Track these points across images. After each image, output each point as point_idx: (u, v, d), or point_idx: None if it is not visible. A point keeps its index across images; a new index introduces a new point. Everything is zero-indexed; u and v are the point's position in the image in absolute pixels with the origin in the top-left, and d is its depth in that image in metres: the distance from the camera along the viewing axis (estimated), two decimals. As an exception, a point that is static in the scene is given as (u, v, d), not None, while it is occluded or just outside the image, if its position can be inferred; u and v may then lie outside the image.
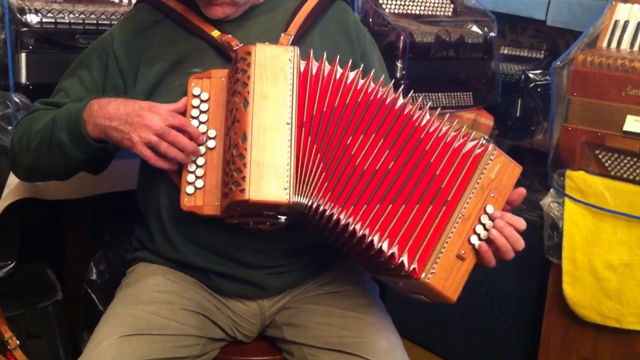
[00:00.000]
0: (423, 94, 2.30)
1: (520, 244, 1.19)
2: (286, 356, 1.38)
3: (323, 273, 1.42)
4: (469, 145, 1.21)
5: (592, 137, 1.67)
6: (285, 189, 1.15)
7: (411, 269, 1.13)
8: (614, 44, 1.76)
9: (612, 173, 1.68)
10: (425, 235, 1.15)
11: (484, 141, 1.22)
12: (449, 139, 1.21)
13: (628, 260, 1.68)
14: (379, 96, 1.24)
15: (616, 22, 1.78)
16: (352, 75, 1.24)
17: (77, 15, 1.69)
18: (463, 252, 1.15)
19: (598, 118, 1.66)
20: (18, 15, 1.62)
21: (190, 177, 1.22)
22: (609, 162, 1.67)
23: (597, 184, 1.69)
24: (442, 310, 2.20)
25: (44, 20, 1.64)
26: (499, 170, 1.20)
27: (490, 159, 1.20)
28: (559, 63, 1.76)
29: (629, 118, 1.61)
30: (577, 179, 1.71)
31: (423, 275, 1.13)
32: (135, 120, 1.18)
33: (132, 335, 1.22)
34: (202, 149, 1.23)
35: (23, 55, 1.64)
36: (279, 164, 1.15)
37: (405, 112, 1.23)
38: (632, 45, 1.74)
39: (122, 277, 1.44)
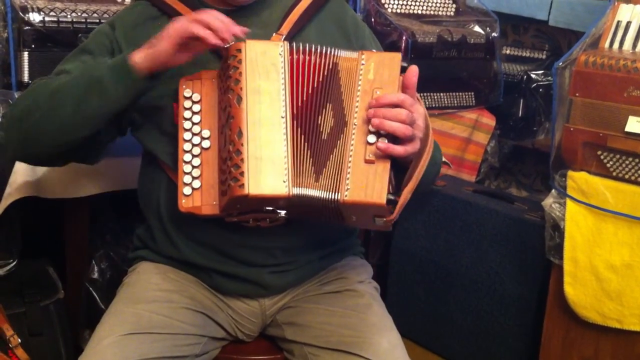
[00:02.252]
0: (425, 93, 2.30)
1: (400, 115, 1.16)
2: (287, 355, 1.38)
3: (324, 272, 1.43)
4: (352, 65, 1.23)
5: (594, 138, 1.67)
6: (284, 182, 1.15)
7: (333, 198, 1.16)
8: (616, 45, 1.76)
9: (614, 174, 1.68)
10: (338, 163, 1.18)
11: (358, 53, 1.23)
12: (347, 70, 1.23)
13: (629, 261, 1.68)
14: (328, 66, 1.24)
15: (618, 22, 1.78)
16: (313, 59, 1.24)
17: (79, 14, 1.69)
18: (369, 155, 1.17)
19: (600, 119, 1.65)
20: (20, 13, 1.62)
21: (187, 178, 1.22)
22: (611, 163, 1.67)
23: (598, 185, 1.69)
24: (443, 310, 2.20)
25: (47, 19, 1.65)
26: (375, 67, 1.21)
27: (362, 63, 1.22)
28: (561, 63, 1.75)
29: (631, 119, 1.61)
30: (578, 180, 1.71)
31: (339, 196, 1.16)
32: (164, 32, 1.20)
33: (133, 334, 1.22)
34: (197, 150, 1.23)
35: (25, 53, 1.64)
36: (277, 157, 1.16)
37: (337, 69, 1.24)
38: (634, 45, 1.74)
39: (123, 276, 1.44)
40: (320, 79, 1.24)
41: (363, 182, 1.16)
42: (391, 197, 1.15)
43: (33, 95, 1.26)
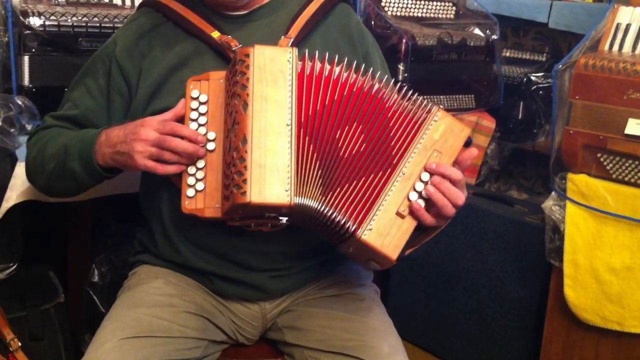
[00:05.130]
0: (425, 96, 2.31)
1: (459, 198, 1.19)
2: (287, 359, 1.38)
3: (324, 276, 1.43)
4: (418, 111, 1.24)
5: (594, 140, 1.67)
6: (287, 191, 1.15)
7: (349, 227, 1.17)
8: (615, 47, 1.76)
9: (614, 176, 1.68)
10: (368, 198, 1.19)
11: (431, 105, 1.25)
12: (407, 111, 1.24)
13: (630, 264, 1.68)
14: (362, 86, 1.25)
15: (618, 25, 1.78)
16: (337, 70, 1.24)
17: (80, 18, 1.69)
18: (402, 209, 1.17)
19: (600, 121, 1.66)
20: (21, 17, 1.62)
21: (191, 180, 1.22)
22: (611, 165, 1.67)
23: (598, 187, 1.69)
24: (444, 313, 2.20)
25: (47, 23, 1.65)
26: (444, 130, 1.22)
27: (434, 120, 1.23)
28: (560, 66, 1.76)
29: (631, 121, 1.61)
30: (578, 182, 1.71)
31: (359, 231, 1.16)
32: (130, 138, 1.21)
33: (134, 338, 1.22)
34: (202, 151, 1.23)
35: (26, 58, 1.64)
36: (281, 165, 1.16)
37: (379, 96, 1.25)
38: (634, 48, 1.74)
39: (124, 280, 1.44)
40: (345, 93, 1.23)
41: (386, 230, 1.17)
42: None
43: (38, 150, 1.35)
